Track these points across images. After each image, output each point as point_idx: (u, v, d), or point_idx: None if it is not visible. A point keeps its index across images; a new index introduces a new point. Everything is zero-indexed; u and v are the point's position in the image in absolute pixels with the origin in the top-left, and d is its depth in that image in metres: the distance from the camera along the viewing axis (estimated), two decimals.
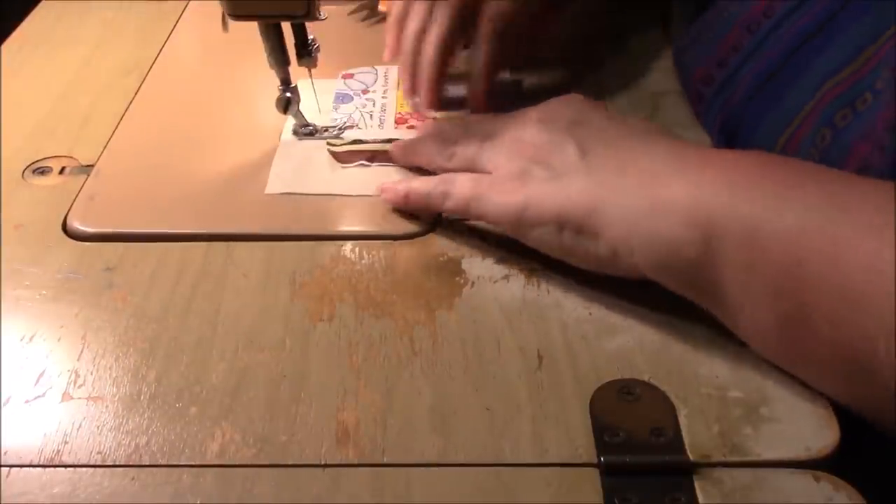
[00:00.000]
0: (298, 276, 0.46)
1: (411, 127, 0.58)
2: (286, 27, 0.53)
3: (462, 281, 0.46)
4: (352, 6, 0.73)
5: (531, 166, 0.45)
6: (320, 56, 0.56)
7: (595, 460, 0.36)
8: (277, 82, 0.55)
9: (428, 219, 0.50)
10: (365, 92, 0.62)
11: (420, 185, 0.49)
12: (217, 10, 0.52)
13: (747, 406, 0.38)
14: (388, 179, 0.53)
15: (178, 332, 0.43)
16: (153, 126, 0.59)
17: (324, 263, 0.47)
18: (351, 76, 0.64)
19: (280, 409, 0.39)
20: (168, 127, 0.59)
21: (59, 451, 0.37)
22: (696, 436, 0.37)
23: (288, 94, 0.55)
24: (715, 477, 0.36)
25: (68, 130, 0.58)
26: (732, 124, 0.54)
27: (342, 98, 0.61)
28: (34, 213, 0.51)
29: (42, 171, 0.55)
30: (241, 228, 0.50)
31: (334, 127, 0.58)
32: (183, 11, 0.74)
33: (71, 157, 0.56)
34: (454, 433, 0.38)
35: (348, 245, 0.48)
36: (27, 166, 0.55)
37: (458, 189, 0.47)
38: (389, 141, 0.56)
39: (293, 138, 0.57)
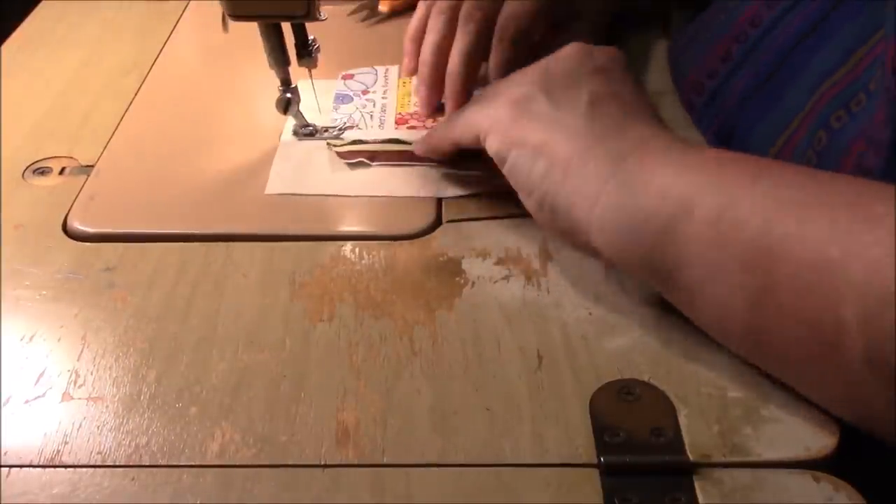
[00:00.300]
0: (298, 276, 0.46)
1: (412, 127, 0.58)
2: (286, 27, 0.53)
3: (462, 281, 0.46)
4: (352, 6, 0.73)
5: (536, 92, 0.45)
6: (320, 56, 0.56)
7: (595, 460, 0.36)
8: (277, 83, 0.55)
9: (429, 212, 0.50)
10: (365, 92, 0.62)
11: (438, 126, 0.51)
12: (217, 10, 0.52)
13: (747, 406, 0.38)
14: (388, 180, 0.53)
15: (178, 332, 0.43)
16: (153, 126, 0.59)
17: (323, 263, 0.47)
18: (351, 77, 0.64)
19: (280, 409, 0.39)
20: (168, 127, 0.59)
21: (59, 451, 0.37)
22: (696, 436, 0.37)
23: (288, 95, 0.55)
24: (715, 477, 0.36)
25: (68, 130, 0.58)
26: (726, 131, 0.54)
27: (342, 98, 0.61)
28: (34, 213, 0.51)
29: (42, 171, 0.55)
30: (240, 228, 0.50)
31: (334, 127, 0.58)
32: (183, 11, 0.74)
33: (71, 157, 0.56)
34: (454, 433, 0.38)
35: (348, 245, 0.48)
36: (27, 166, 0.55)
37: (463, 114, 0.48)
38: (390, 141, 0.56)
39: (293, 139, 0.57)
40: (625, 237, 0.40)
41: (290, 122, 0.58)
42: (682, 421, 0.38)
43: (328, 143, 0.56)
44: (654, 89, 0.61)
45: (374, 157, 0.55)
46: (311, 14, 0.51)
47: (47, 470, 0.36)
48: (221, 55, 0.67)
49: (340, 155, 0.55)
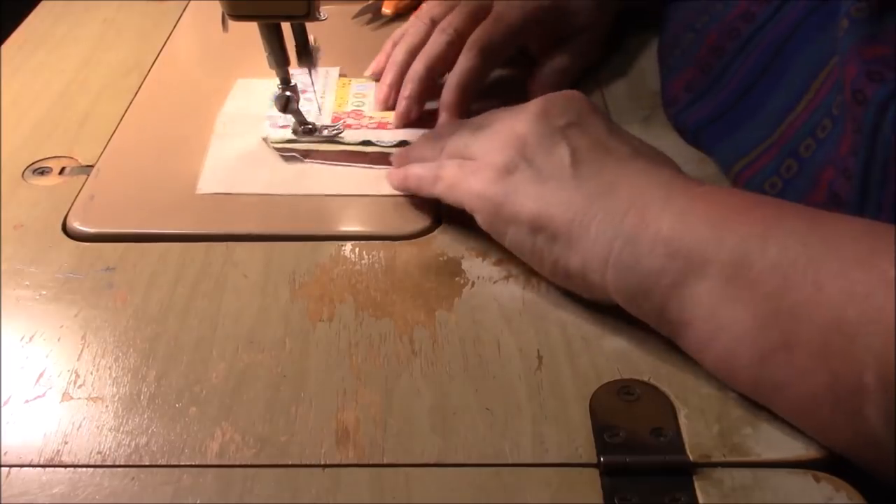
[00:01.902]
0: (298, 276, 0.46)
1: (347, 126, 0.58)
2: (286, 27, 0.53)
3: (462, 281, 0.46)
4: (355, 7, 0.73)
5: (518, 160, 0.44)
6: (321, 56, 0.56)
7: (595, 460, 0.36)
8: (277, 82, 0.55)
9: (429, 212, 0.50)
10: (304, 92, 0.61)
11: (417, 168, 0.50)
12: (217, 10, 0.52)
13: (747, 406, 0.38)
14: (324, 179, 0.53)
15: (178, 332, 0.43)
16: (153, 126, 0.59)
17: (324, 263, 0.47)
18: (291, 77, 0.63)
19: (280, 409, 0.39)
20: (168, 127, 0.59)
21: (59, 451, 0.37)
22: (696, 436, 0.37)
23: (287, 94, 0.55)
24: (715, 477, 0.36)
25: (68, 130, 0.58)
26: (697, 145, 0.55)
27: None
28: (34, 213, 0.51)
29: (42, 171, 0.55)
30: (240, 228, 0.50)
31: (333, 126, 0.58)
32: (183, 11, 0.74)
33: (71, 157, 0.56)
34: (454, 433, 0.38)
35: (348, 245, 0.48)
36: (27, 166, 0.55)
37: (445, 172, 0.47)
38: (324, 140, 0.56)
39: (227, 134, 0.57)
40: (640, 297, 0.40)
41: (220, 118, 0.59)
42: (682, 421, 0.38)
43: (264, 139, 0.56)
44: (655, 89, 0.61)
45: (308, 154, 0.55)
46: (311, 14, 0.51)
47: (47, 470, 0.36)
48: (221, 55, 0.67)
49: (278, 150, 0.55)
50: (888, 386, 0.32)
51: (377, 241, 0.49)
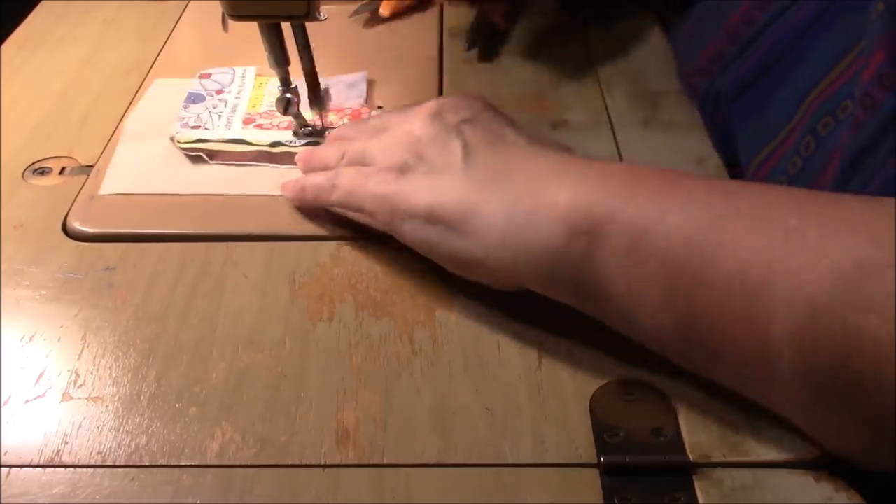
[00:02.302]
0: (298, 276, 0.46)
1: (259, 126, 0.58)
2: (286, 27, 0.53)
3: (462, 281, 0.46)
4: (352, 8, 0.73)
5: (412, 159, 0.44)
6: (320, 55, 0.56)
7: (595, 460, 0.36)
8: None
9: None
10: (220, 92, 0.61)
11: (313, 177, 0.49)
12: (217, 10, 0.52)
13: (747, 406, 0.38)
14: (231, 179, 0.53)
15: (178, 332, 0.43)
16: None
17: (324, 263, 0.47)
18: (208, 76, 0.63)
19: (280, 409, 0.39)
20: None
21: (59, 451, 0.37)
22: (695, 436, 0.37)
23: (288, 95, 0.55)
24: (715, 477, 0.36)
25: (68, 130, 0.58)
26: (722, 134, 0.54)
27: (194, 98, 0.60)
28: (34, 213, 0.51)
29: (42, 171, 0.55)
30: (240, 228, 0.50)
31: (334, 128, 0.57)
32: (183, 11, 0.74)
33: (71, 157, 0.56)
34: (454, 433, 0.38)
35: (348, 245, 0.48)
36: (27, 166, 0.55)
37: (342, 181, 0.47)
38: (234, 141, 0.55)
39: (137, 134, 0.57)
40: (549, 278, 0.40)
41: (130, 118, 0.58)
42: (682, 421, 0.38)
43: (171, 139, 0.56)
44: (655, 89, 0.61)
45: (214, 155, 0.55)
46: (311, 14, 0.51)
47: (47, 470, 0.36)
48: (221, 55, 0.67)
49: (184, 151, 0.55)
50: (795, 336, 0.32)
51: (377, 242, 0.49)
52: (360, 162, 0.48)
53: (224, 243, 0.49)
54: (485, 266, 0.41)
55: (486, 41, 0.68)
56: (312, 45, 0.55)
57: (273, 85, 0.62)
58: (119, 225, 0.50)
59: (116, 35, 0.71)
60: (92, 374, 0.41)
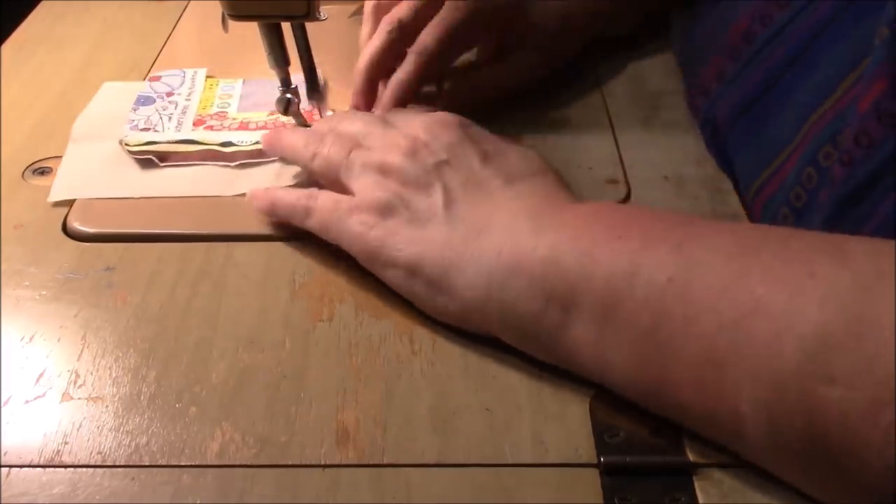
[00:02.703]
0: (298, 276, 0.46)
1: (209, 127, 0.57)
2: (286, 27, 0.53)
3: None
4: (352, 8, 0.73)
5: (396, 202, 0.43)
6: (320, 55, 0.56)
7: (595, 460, 0.36)
8: (277, 83, 0.55)
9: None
10: (170, 94, 0.60)
11: (286, 195, 0.48)
12: (217, 10, 0.52)
13: None
14: (182, 180, 0.52)
15: (178, 332, 0.43)
16: None
17: (324, 263, 0.47)
18: (158, 79, 0.63)
19: (280, 409, 0.39)
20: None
21: (59, 451, 0.37)
22: (696, 436, 0.37)
23: (288, 95, 0.55)
24: (715, 477, 0.36)
25: (68, 130, 0.58)
26: (724, 157, 0.54)
27: (143, 101, 0.60)
28: (34, 213, 0.51)
29: (42, 171, 0.55)
30: (240, 228, 0.50)
31: None
32: (183, 11, 0.74)
33: None
34: (454, 433, 0.38)
35: None
36: (27, 166, 0.55)
37: (319, 207, 0.46)
38: (185, 142, 0.55)
39: (85, 138, 0.56)
40: (526, 340, 0.40)
41: (78, 121, 0.58)
42: None
43: (120, 142, 0.55)
44: (655, 89, 0.61)
45: (164, 157, 0.54)
46: (311, 14, 0.51)
47: (47, 470, 0.36)
48: (221, 55, 0.67)
49: (133, 154, 0.54)
50: (765, 408, 0.32)
51: None
52: (334, 175, 0.46)
53: (224, 243, 0.49)
54: (462, 320, 0.42)
55: None
56: (312, 45, 0.55)
57: (224, 86, 0.62)
58: (119, 225, 0.50)
59: (116, 35, 0.71)
60: (92, 374, 0.41)
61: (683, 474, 0.36)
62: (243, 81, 0.62)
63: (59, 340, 0.43)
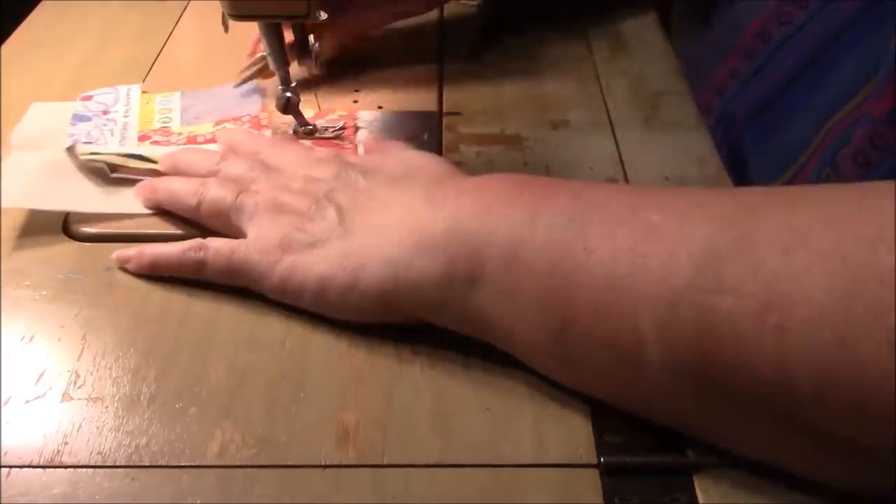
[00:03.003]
0: None
1: (155, 142, 0.56)
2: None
3: None
4: None
5: (293, 234, 0.43)
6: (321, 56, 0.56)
7: (595, 461, 0.36)
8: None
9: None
10: (105, 112, 0.59)
11: (166, 250, 0.46)
12: (217, 10, 0.52)
13: None
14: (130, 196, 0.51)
15: (178, 332, 0.43)
16: None
17: None
18: (90, 98, 0.61)
19: (280, 409, 0.39)
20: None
21: (59, 451, 0.37)
22: (696, 436, 0.37)
23: (288, 94, 0.55)
24: (715, 477, 0.36)
25: None
26: (735, 154, 0.53)
27: (80, 118, 0.58)
28: (34, 213, 0.51)
29: None
30: None
31: (334, 127, 0.58)
32: (183, 11, 0.74)
33: None
34: (454, 433, 0.38)
35: None
36: None
37: (213, 256, 0.44)
38: (133, 157, 0.53)
39: (24, 150, 0.54)
40: (440, 310, 0.40)
41: (18, 126, 0.56)
42: None
43: (68, 150, 0.53)
44: (655, 89, 0.61)
45: (115, 168, 0.52)
46: (311, 14, 0.51)
47: (47, 470, 0.36)
48: (221, 55, 0.67)
49: (85, 161, 0.52)
50: (662, 326, 0.33)
51: None
52: (225, 219, 0.46)
53: None
54: (383, 313, 0.41)
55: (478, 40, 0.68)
56: (312, 44, 0.55)
57: (161, 100, 0.61)
58: (119, 225, 0.50)
59: (116, 35, 0.71)
60: (92, 374, 0.41)
61: (683, 474, 0.36)
62: (181, 94, 0.61)
63: (59, 340, 0.43)
